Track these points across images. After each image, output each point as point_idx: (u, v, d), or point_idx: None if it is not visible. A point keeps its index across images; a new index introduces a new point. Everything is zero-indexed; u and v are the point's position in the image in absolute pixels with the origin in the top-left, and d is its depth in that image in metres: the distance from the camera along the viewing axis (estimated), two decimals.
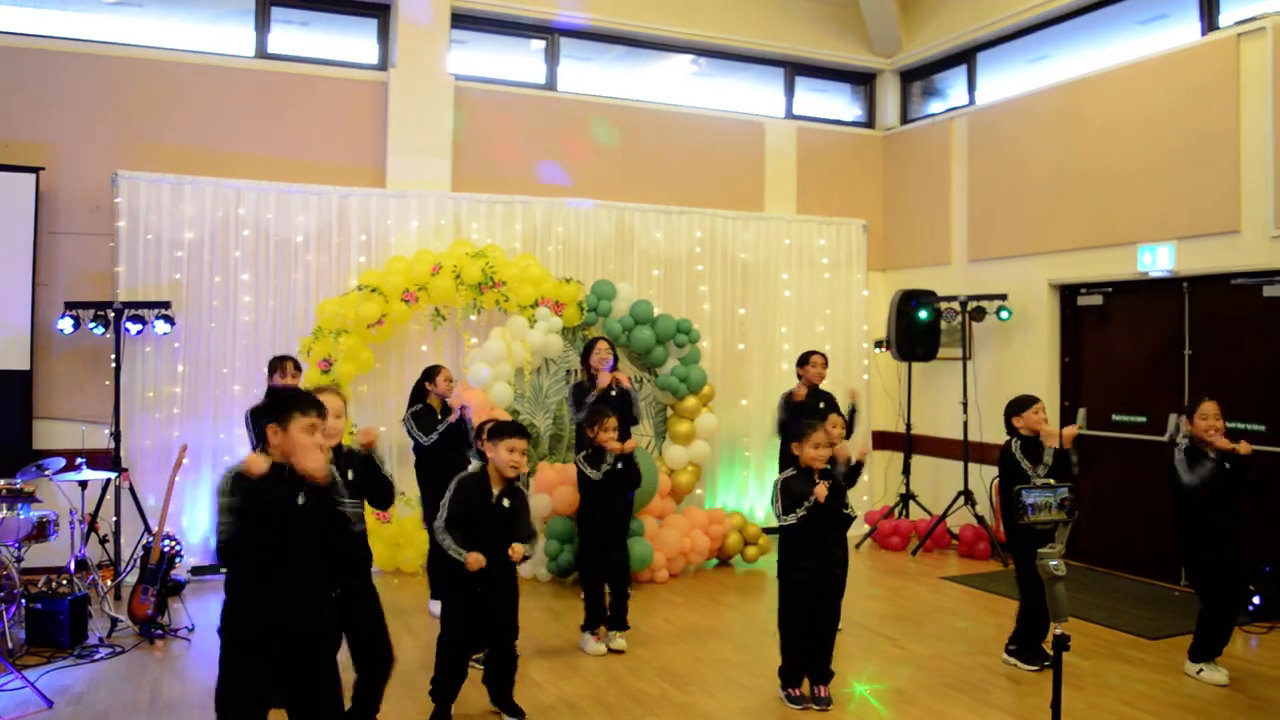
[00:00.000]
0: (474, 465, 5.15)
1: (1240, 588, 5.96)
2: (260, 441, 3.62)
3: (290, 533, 3.55)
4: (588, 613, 6.37)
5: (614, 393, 7.07)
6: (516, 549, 4.83)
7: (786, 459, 5.91)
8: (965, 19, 10.05)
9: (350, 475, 4.42)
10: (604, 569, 6.41)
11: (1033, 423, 5.98)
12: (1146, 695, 5.52)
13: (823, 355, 7.92)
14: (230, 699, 3.53)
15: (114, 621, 6.49)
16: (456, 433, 6.82)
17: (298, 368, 7.05)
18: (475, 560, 4.68)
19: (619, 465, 6.34)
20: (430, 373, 7.11)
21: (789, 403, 7.63)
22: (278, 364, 6.96)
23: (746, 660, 6.12)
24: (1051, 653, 5.86)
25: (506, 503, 4.93)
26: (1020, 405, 6.08)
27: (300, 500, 3.55)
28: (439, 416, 6.97)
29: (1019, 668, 5.91)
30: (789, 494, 5.28)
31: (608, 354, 7.29)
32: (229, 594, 3.61)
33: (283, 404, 3.60)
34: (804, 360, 7.88)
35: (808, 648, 5.37)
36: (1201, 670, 5.77)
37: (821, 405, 7.41)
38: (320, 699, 3.66)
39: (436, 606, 6.72)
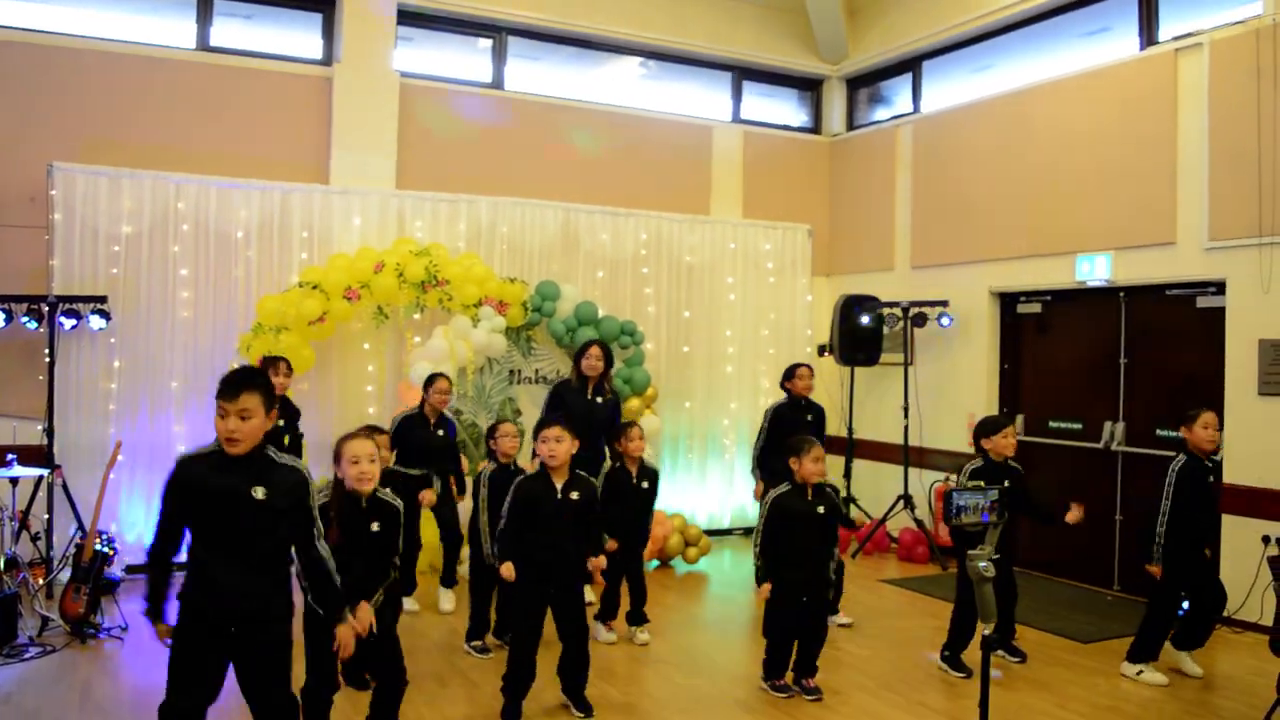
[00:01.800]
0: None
1: (1214, 591, 6.06)
2: None
3: (244, 522, 3.53)
4: (602, 605, 6.67)
5: (600, 400, 7.24)
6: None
7: (774, 474, 5.94)
8: (911, 27, 10.17)
9: (376, 527, 4.41)
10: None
11: (1001, 447, 5.98)
12: (1078, 697, 5.62)
13: (809, 367, 7.74)
14: (177, 663, 3.55)
15: (45, 620, 6.36)
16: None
17: (290, 369, 6.93)
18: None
19: (644, 484, 6.66)
20: (428, 382, 7.19)
21: (776, 414, 7.57)
22: (270, 364, 6.83)
23: (684, 660, 6.15)
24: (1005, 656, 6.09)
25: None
26: (991, 427, 6.06)
27: (259, 494, 3.52)
28: (431, 427, 7.13)
29: (949, 674, 5.97)
30: (781, 512, 5.43)
31: (599, 361, 7.41)
32: (188, 567, 3.62)
33: (219, 390, 3.56)
34: (790, 374, 7.67)
35: (802, 644, 5.56)
36: (1142, 672, 5.87)
37: (809, 418, 7.44)
38: (269, 682, 3.63)
39: (446, 601, 7.05)
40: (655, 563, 8.72)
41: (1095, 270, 8.21)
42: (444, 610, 7.07)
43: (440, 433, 7.24)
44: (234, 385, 3.53)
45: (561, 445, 5.09)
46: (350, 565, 4.38)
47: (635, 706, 5.37)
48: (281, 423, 6.86)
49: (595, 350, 7.45)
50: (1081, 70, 8.48)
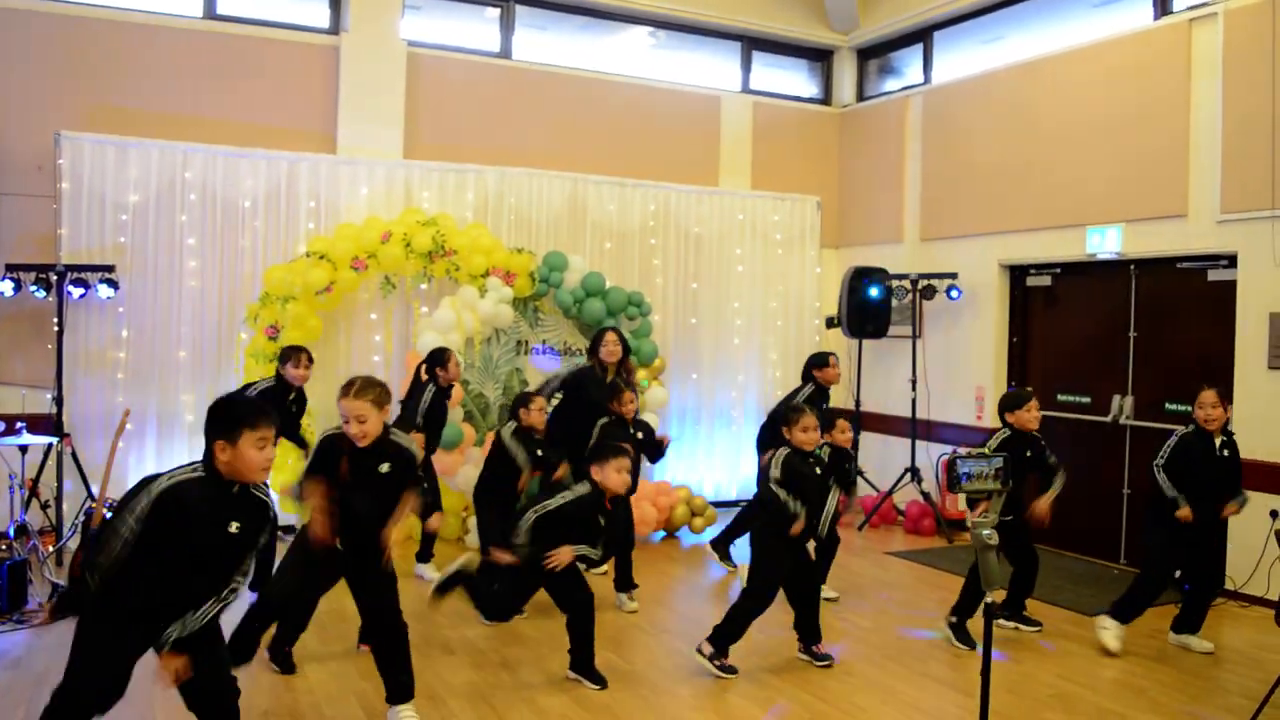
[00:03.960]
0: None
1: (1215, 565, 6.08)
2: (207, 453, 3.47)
3: (209, 555, 3.43)
4: (619, 573, 6.74)
5: (637, 434, 6.94)
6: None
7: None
8: None
9: (385, 468, 4.48)
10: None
11: (1025, 420, 5.96)
12: (1082, 670, 5.63)
13: (836, 356, 7.58)
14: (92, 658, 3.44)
15: (54, 587, 6.41)
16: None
17: (311, 360, 6.74)
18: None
19: (639, 435, 6.78)
20: (439, 356, 7.10)
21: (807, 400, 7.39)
22: (291, 354, 6.66)
23: (690, 631, 6.15)
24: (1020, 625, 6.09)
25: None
26: (1015, 401, 6.04)
27: (233, 529, 3.43)
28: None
29: (954, 645, 5.97)
30: (791, 470, 5.43)
31: (616, 347, 7.31)
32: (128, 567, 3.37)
33: (234, 418, 3.42)
34: (823, 362, 7.45)
35: (803, 609, 5.61)
36: (1106, 629, 5.88)
37: (824, 406, 7.34)
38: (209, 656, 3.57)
39: (426, 571, 7.07)
40: (661, 533, 8.73)
41: (1106, 243, 8.16)
42: (424, 578, 7.03)
43: (447, 404, 7.26)
44: (268, 413, 3.47)
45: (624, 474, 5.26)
46: (357, 506, 4.42)
47: (641, 676, 5.39)
48: (295, 408, 6.82)
49: (611, 336, 7.35)
50: (1094, 41, 8.40)
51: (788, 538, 5.43)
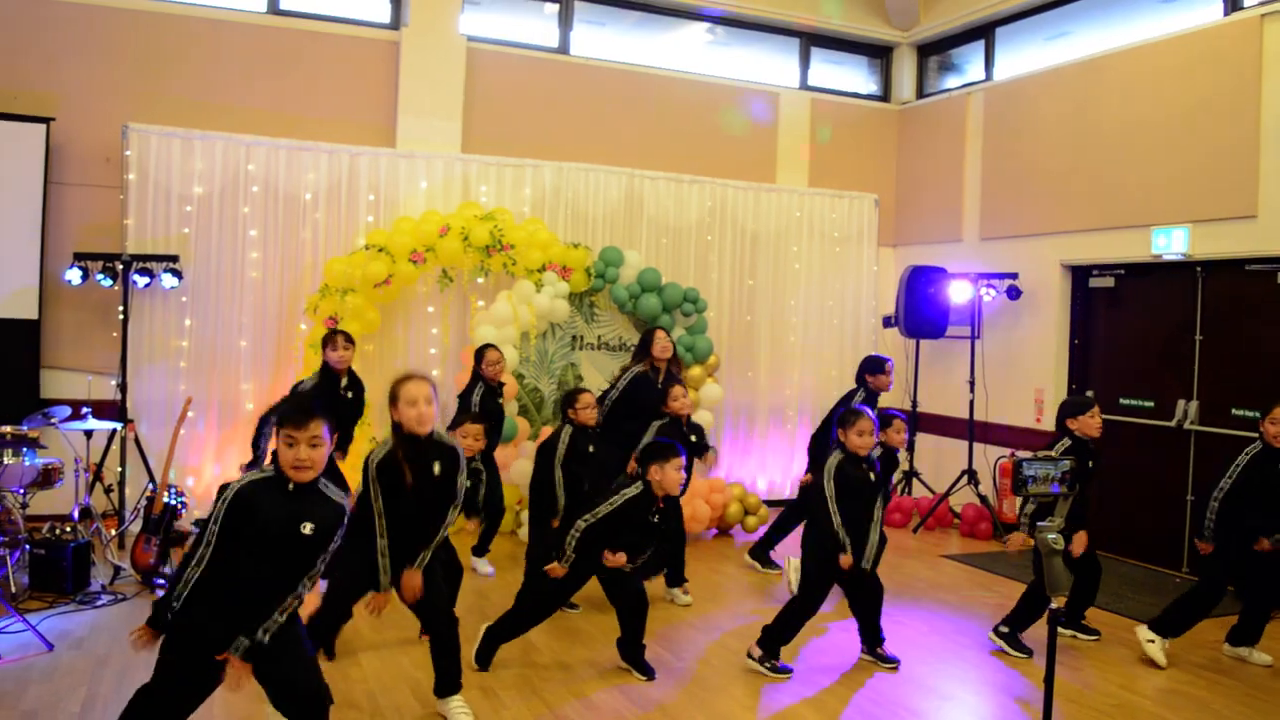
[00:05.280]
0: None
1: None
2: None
3: (283, 555, 3.46)
4: (670, 569, 6.70)
5: (691, 435, 6.90)
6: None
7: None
8: None
9: (437, 470, 4.47)
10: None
11: (1087, 427, 5.79)
12: (1142, 679, 5.52)
13: (893, 362, 7.33)
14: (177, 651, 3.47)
15: (116, 569, 6.54)
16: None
17: (349, 341, 6.79)
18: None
19: (693, 437, 6.73)
20: (478, 354, 7.16)
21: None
22: (328, 339, 6.75)
23: (741, 628, 6.14)
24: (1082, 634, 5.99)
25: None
26: (1077, 407, 5.88)
27: (307, 530, 3.45)
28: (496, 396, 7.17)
29: (1008, 652, 5.86)
30: (844, 480, 5.36)
31: (669, 343, 7.30)
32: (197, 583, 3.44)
33: (283, 416, 3.46)
34: (878, 367, 7.18)
35: (864, 614, 5.59)
36: (1153, 642, 5.74)
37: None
38: (291, 660, 3.58)
39: (480, 565, 7.12)
40: (714, 531, 8.70)
41: (1172, 243, 7.99)
42: (484, 573, 7.10)
43: (499, 400, 7.27)
44: (305, 412, 3.45)
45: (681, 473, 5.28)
46: (410, 511, 4.44)
47: (693, 673, 5.37)
48: (350, 394, 6.87)
49: (663, 334, 7.33)
50: (1161, 36, 8.22)
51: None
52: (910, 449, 9.87)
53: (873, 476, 5.44)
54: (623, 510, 5.14)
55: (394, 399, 4.40)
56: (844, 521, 5.29)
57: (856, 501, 5.37)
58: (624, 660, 5.30)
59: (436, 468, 4.48)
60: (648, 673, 5.23)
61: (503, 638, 5.24)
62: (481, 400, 7.02)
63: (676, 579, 6.72)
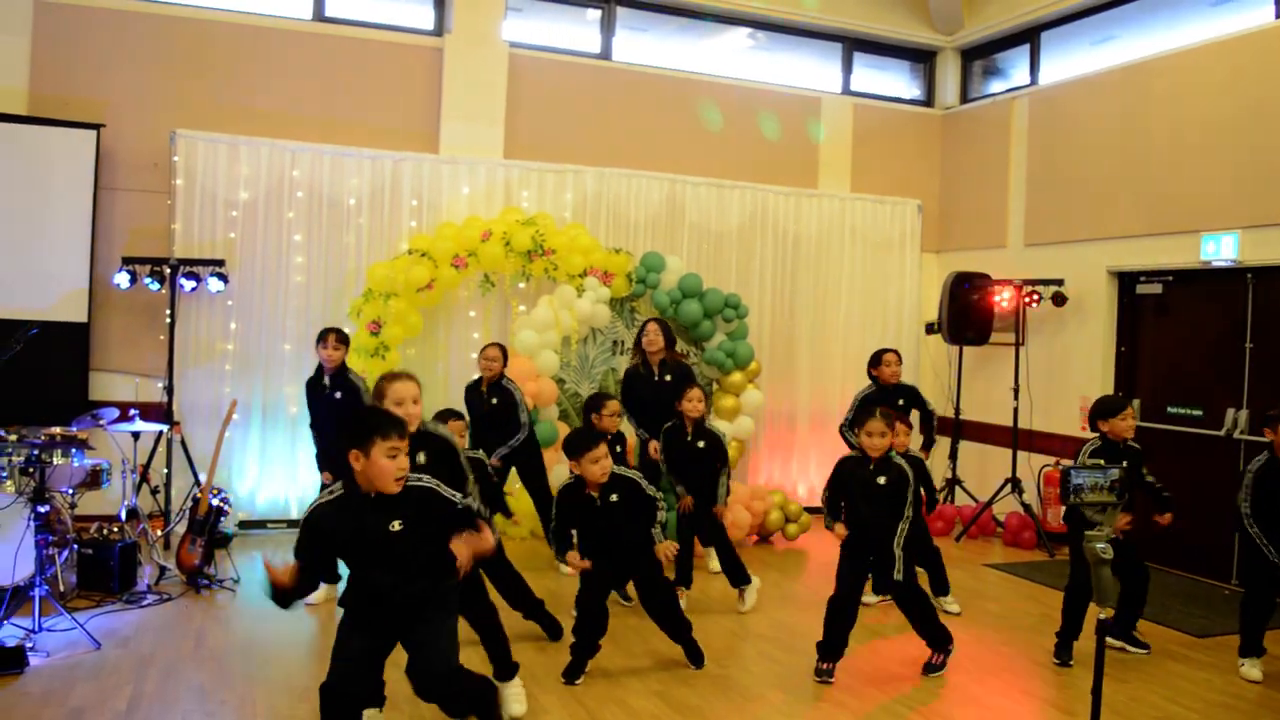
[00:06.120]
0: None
1: None
2: (337, 467, 3.65)
3: (386, 553, 3.53)
4: (677, 571, 6.61)
5: (667, 378, 7.04)
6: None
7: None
8: None
9: (422, 459, 4.42)
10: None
11: (1119, 429, 5.73)
12: (1190, 693, 5.42)
13: (896, 353, 7.41)
14: (338, 652, 3.66)
15: (162, 570, 6.62)
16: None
17: (341, 340, 6.69)
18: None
19: (700, 444, 6.59)
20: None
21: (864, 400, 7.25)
22: (321, 336, 6.69)
23: (782, 636, 6.10)
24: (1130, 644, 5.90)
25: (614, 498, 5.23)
26: (1109, 408, 5.81)
27: (395, 527, 3.50)
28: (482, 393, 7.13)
29: (1053, 662, 5.79)
30: (839, 475, 5.41)
31: (657, 337, 7.30)
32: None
33: (365, 427, 3.47)
34: (876, 360, 7.34)
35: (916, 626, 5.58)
36: (1243, 665, 5.67)
37: (900, 402, 7.19)
38: (431, 643, 3.70)
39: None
40: (756, 538, 8.66)
41: (1221, 250, 7.86)
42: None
43: (494, 400, 7.12)
44: (400, 424, 3.53)
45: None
46: None
47: (734, 680, 5.34)
48: (339, 395, 6.64)
49: (653, 327, 7.34)
50: (1209, 40, 8.10)
51: (853, 543, 5.38)
52: (953, 456, 9.76)
53: (881, 481, 5.27)
54: (562, 501, 5.23)
55: (379, 396, 4.31)
56: (849, 518, 5.36)
57: (863, 503, 5.29)
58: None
59: (421, 456, 4.37)
60: (696, 661, 5.44)
61: (579, 647, 5.22)
62: (465, 394, 7.16)
63: (738, 579, 6.65)
